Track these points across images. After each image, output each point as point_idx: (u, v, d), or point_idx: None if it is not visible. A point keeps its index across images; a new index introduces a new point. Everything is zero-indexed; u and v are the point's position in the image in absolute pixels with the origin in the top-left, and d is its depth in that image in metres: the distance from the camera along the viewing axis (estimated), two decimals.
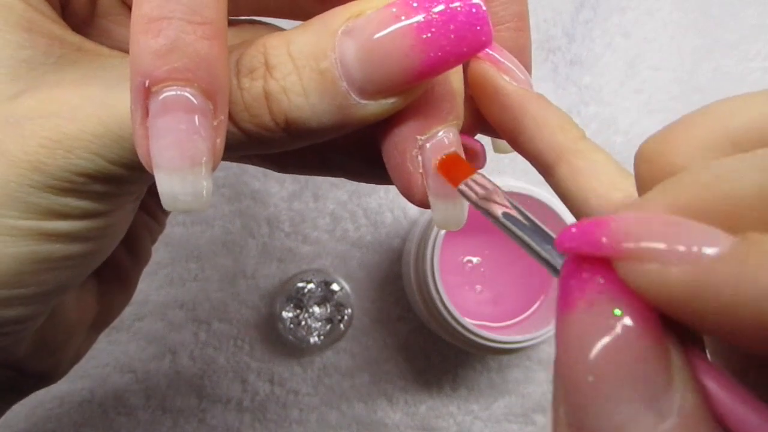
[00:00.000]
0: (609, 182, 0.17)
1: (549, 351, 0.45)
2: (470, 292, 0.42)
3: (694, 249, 0.10)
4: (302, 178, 0.43)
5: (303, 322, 0.41)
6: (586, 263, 0.12)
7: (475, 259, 0.42)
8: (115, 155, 0.17)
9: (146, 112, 0.15)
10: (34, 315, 0.19)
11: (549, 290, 0.42)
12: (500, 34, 0.21)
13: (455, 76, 0.18)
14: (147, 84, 0.15)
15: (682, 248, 0.11)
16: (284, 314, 0.41)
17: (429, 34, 0.16)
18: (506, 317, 0.41)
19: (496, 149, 0.24)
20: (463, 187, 0.18)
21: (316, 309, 0.42)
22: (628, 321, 0.11)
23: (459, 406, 0.44)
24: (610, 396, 0.11)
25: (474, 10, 0.16)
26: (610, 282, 0.11)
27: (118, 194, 0.18)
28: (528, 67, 0.22)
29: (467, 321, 0.37)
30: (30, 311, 0.19)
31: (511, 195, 0.38)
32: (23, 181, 0.17)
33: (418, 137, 0.18)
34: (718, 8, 0.48)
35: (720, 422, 0.11)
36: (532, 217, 0.15)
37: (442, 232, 0.37)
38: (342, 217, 0.43)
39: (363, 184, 0.43)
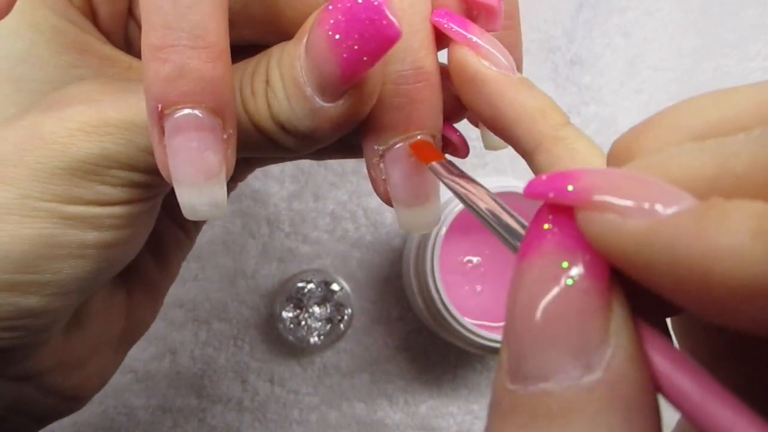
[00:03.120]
0: None
1: None
2: (470, 292, 0.42)
3: (655, 205, 0.10)
4: (302, 177, 0.43)
5: (303, 322, 0.41)
6: (551, 214, 0.12)
7: (475, 259, 0.42)
8: (149, 143, 0.18)
9: (162, 132, 0.16)
10: (50, 309, 0.19)
11: None
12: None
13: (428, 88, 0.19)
14: (160, 108, 0.16)
15: (643, 203, 0.11)
16: (284, 314, 0.41)
17: (338, 36, 0.16)
18: None
19: (487, 145, 0.24)
20: (433, 165, 0.18)
21: (316, 309, 0.42)
22: (573, 274, 0.11)
23: (459, 406, 0.44)
24: (544, 344, 0.11)
25: (375, 3, 0.16)
26: (568, 235, 0.11)
27: (140, 185, 0.19)
28: (519, 63, 0.22)
29: (467, 321, 0.37)
30: (46, 302, 0.18)
31: (512, 195, 0.38)
32: (52, 162, 0.17)
33: (375, 147, 0.19)
34: (718, 8, 0.48)
35: (661, 391, 0.11)
36: (500, 201, 0.16)
37: (443, 231, 0.37)
38: (342, 217, 0.43)
39: (363, 184, 0.43)
